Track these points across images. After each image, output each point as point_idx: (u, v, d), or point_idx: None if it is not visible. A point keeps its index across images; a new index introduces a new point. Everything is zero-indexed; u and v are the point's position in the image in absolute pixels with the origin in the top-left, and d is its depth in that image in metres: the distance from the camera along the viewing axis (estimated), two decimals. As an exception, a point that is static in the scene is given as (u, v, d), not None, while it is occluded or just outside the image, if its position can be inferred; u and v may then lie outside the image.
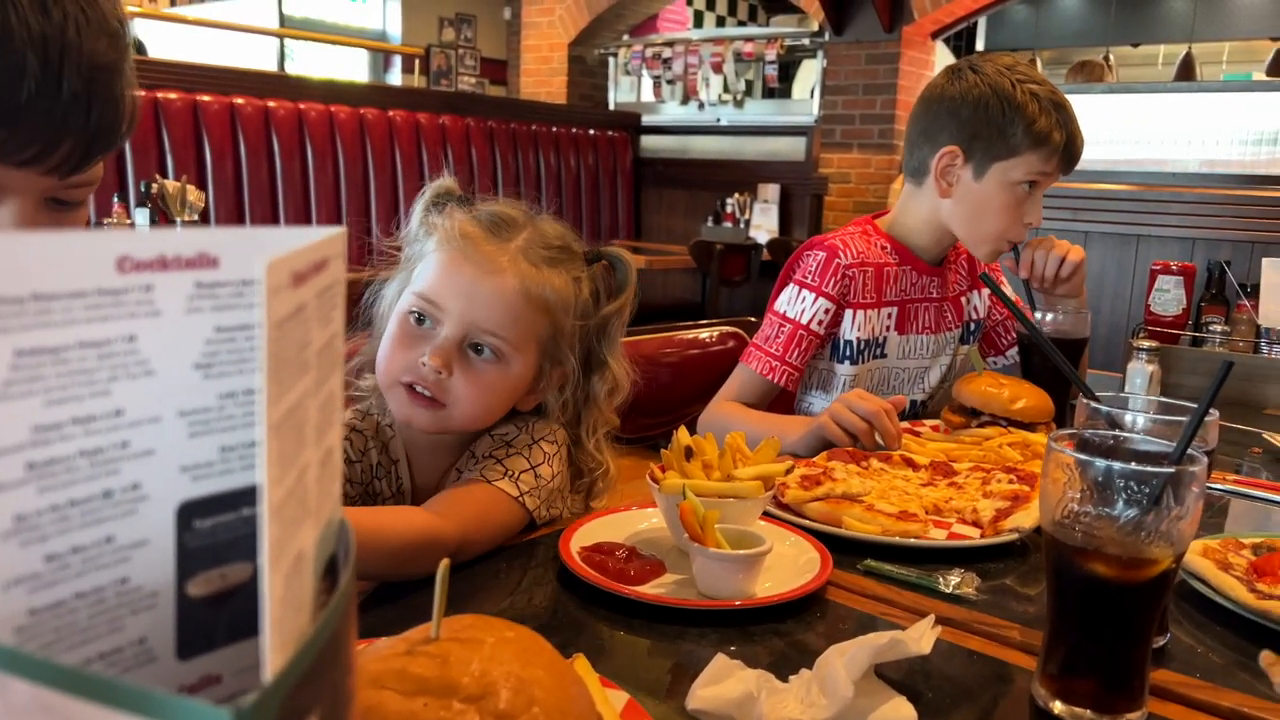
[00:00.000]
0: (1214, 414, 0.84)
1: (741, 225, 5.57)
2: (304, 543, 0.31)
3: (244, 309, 0.31)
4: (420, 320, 1.09)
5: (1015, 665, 0.84)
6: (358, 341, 1.21)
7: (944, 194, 1.61)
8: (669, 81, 6.43)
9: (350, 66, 7.83)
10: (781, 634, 0.87)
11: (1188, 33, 6.90)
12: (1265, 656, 0.61)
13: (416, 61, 7.60)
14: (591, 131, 5.93)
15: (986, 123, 1.54)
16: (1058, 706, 0.75)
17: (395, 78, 7.90)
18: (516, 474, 1.07)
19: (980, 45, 8.31)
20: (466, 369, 1.07)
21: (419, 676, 0.52)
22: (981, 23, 8.11)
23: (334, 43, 6.54)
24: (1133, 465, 0.72)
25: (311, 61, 7.56)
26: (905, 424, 1.59)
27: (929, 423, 1.58)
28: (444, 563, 0.55)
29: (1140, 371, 1.83)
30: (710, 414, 1.65)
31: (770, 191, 5.56)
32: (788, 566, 0.97)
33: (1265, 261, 1.98)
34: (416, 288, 1.09)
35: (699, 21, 8.43)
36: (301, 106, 4.54)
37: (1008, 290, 1.79)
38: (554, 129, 5.68)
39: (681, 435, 1.03)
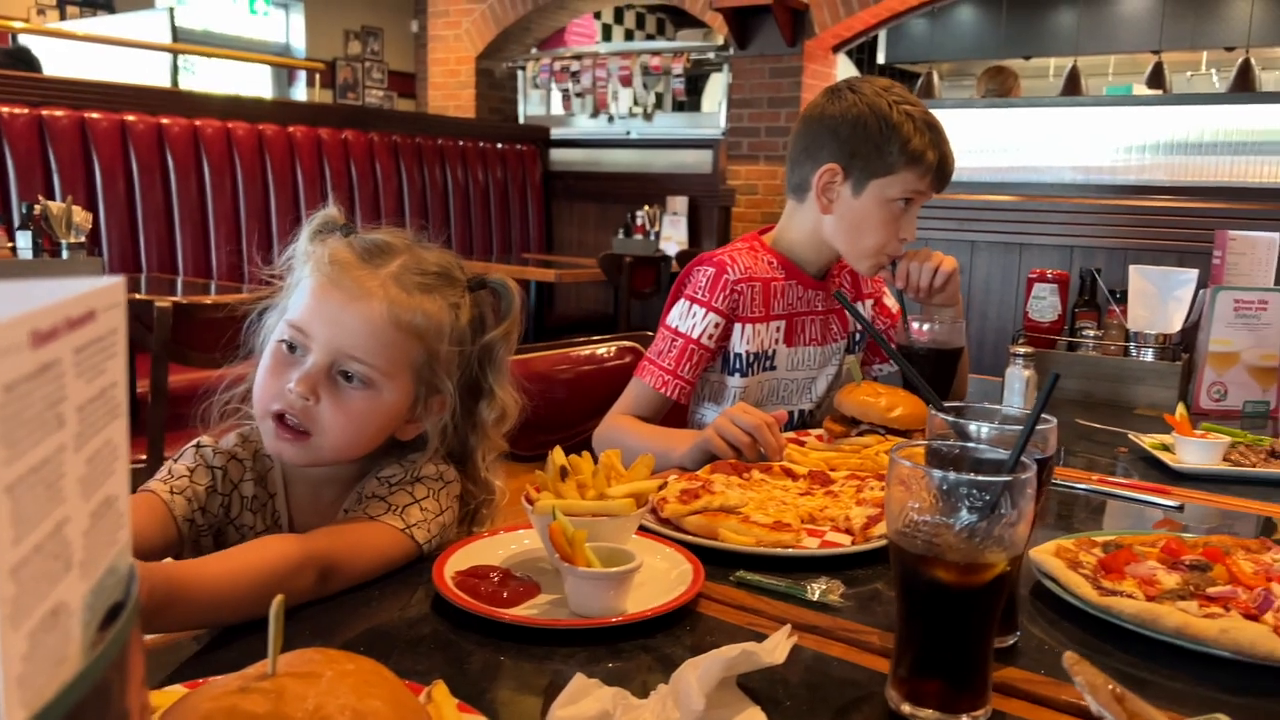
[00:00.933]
0: (1050, 421, 0.88)
1: (651, 237, 5.61)
2: (65, 596, 0.31)
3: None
4: (291, 349, 1.08)
5: (874, 670, 0.86)
6: (242, 369, 1.20)
7: (825, 210, 1.66)
8: (578, 95, 6.46)
9: (253, 81, 7.68)
10: (650, 649, 0.88)
11: (1074, 46, 7.19)
12: (1068, 657, 0.65)
13: (317, 76, 7.49)
14: (500, 145, 5.91)
15: (865, 141, 1.60)
16: (907, 708, 0.78)
17: (300, 92, 7.77)
18: (401, 508, 1.07)
19: (881, 58, 8.53)
20: (335, 396, 1.06)
21: (250, 713, 0.52)
22: (881, 36, 8.34)
23: (229, 57, 6.40)
24: (969, 475, 0.75)
25: (212, 76, 7.39)
26: (791, 434, 1.63)
27: (814, 432, 1.62)
28: (278, 598, 0.56)
29: (1018, 376, 1.90)
30: (604, 428, 1.67)
31: (679, 204, 5.62)
32: (660, 581, 0.99)
33: (1132, 269, 2.08)
34: (289, 315, 1.08)
35: (607, 35, 8.49)
36: (197, 123, 4.44)
37: (863, 308, 1.86)
38: (461, 143, 5.65)
39: (556, 455, 1.04)
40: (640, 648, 0.88)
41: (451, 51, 7.00)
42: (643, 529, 1.11)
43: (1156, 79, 6.60)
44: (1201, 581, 1.00)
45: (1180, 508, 1.39)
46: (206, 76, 7.39)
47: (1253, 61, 6.30)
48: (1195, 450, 1.54)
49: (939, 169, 1.62)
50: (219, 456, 1.14)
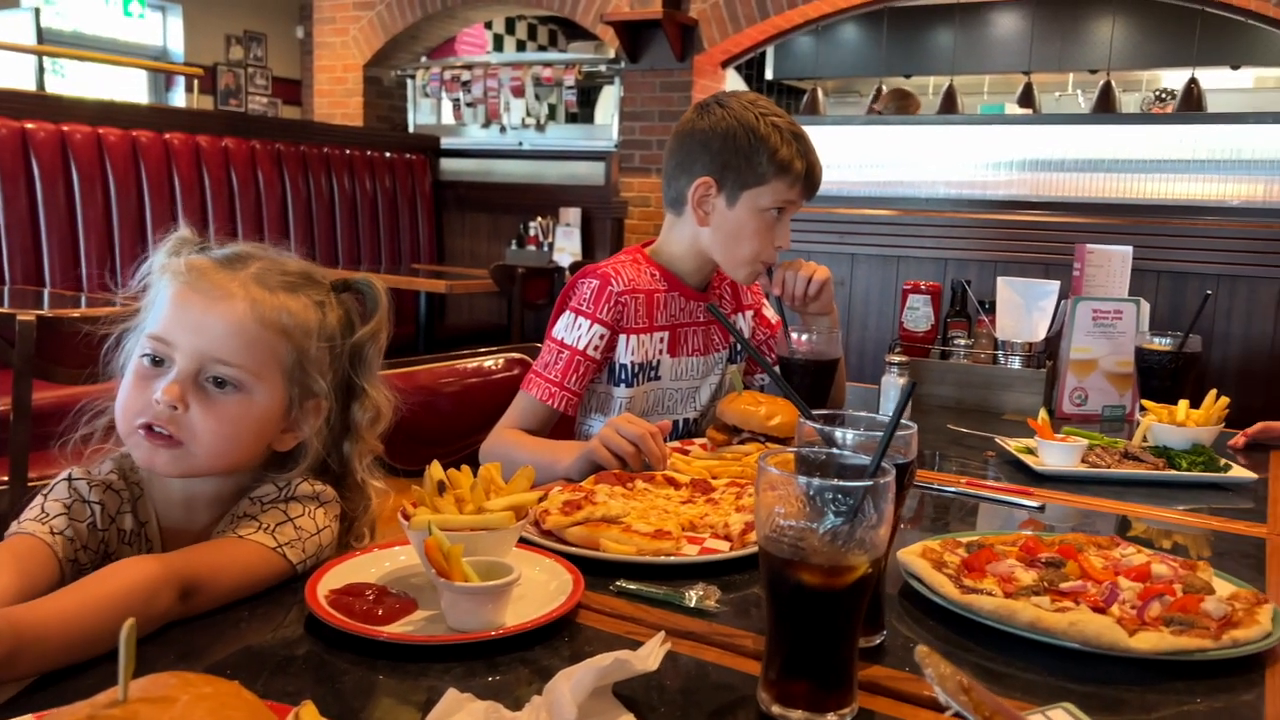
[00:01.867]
0: (911, 427, 0.92)
1: (545, 249, 5.60)
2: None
3: None
4: (155, 362, 1.04)
5: (747, 674, 0.88)
6: (102, 394, 1.14)
7: (702, 222, 1.70)
8: (469, 104, 6.40)
9: (128, 86, 7.37)
10: (528, 662, 0.89)
11: (951, 66, 7.49)
12: (919, 651, 0.68)
13: (196, 82, 7.24)
14: (389, 154, 5.82)
15: (735, 153, 1.64)
16: (776, 710, 0.80)
17: (179, 98, 7.49)
18: (273, 527, 1.05)
19: (769, 74, 8.72)
20: (205, 402, 1.03)
21: (98, 743, 0.51)
22: (769, 53, 8.52)
23: (101, 60, 6.13)
24: (831, 480, 0.78)
25: (84, 80, 7.07)
26: (676, 443, 1.65)
27: (698, 441, 1.65)
28: (129, 622, 0.54)
29: (893, 384, 1.97)
30: (491, 442, 1.66)
31: (572, 215, 5.63)
32: (539, 593, 0.99)
33: (999, 281, 2.18)
34: (149, 329, 1.05)
35: (499, 45, 8.45)
36: (65, 128, 4.24)
37: (744, 319, 1.90)
38: (349, 151, 5.54)
39: (434, 470, 1.03)
40: (518, 661, 0.89)
41: (338, 58, 6.86)
42: (524, 541, 1.12)
43: (1027, 99, 6.92)
44: (1055, 577, 1.06)
45: (1042, 508, 1.46)
46: (78, 80, 7.06)
47: (1113, 84, 6.67)
48: (1055, 453, 1.62)
49: (807, 178, 1.67)
50: (94, 490, 1.08)
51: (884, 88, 7.16)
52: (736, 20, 5.47)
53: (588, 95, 8.23)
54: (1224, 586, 1.06)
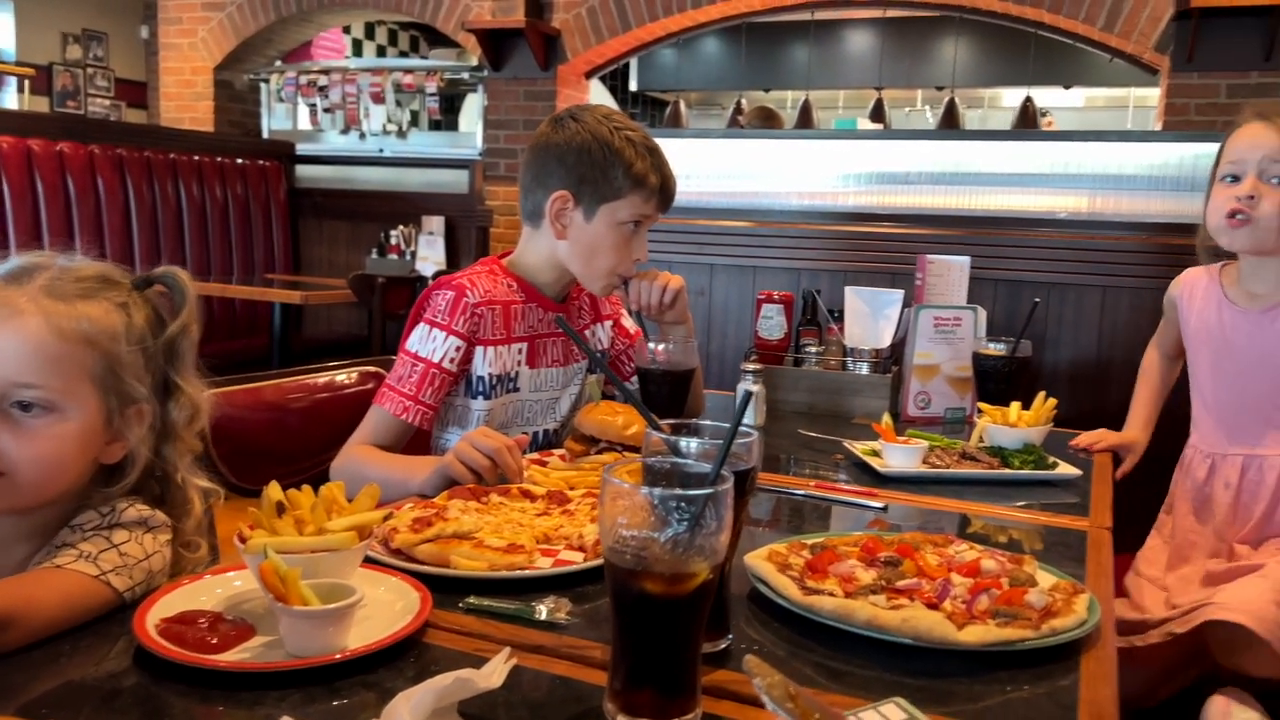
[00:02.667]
0: (753, 434, 0.94)
1: (407, 258, 5.50)
2: None
3: None
4: None
5: (596, 685, 0.88)
6: None
7: (560, 236, 1.70)
8: (327, 110, 6.23)
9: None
10: (371, 685, 0.87)
11: (807, 81, 7.73)
12: (748, 660, 0.69)
13: (28, 82, 6.80)
14: (241, 160, 5.61)
15: (591, 167, 1.65)
16: (621, 720, 0.80)
17: (10, 99, 7.02)
18: (95, 554, 0.99)
19: (633, 85, 8.81)
20: (16, 431, 0.97)
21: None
22: (633, 64, 8.61)
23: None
24: (671, 489, 0.79)
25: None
26: (534, 454, 1.65)
27: (556, 452, 1.65)
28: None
29: (747, 391, 2.01)
30: (342, 459, 1.62)
31: (435, 224, 5.54)
32: (385, 614, 0.97)
33: (847, 290, 2.26)
34: None
35: (358, 51, 8.25)
36: (-126, 129, 3.92)
37: (603, 330, 1.91)
38: (198, 158, 5.31)
39: (272, 491, 1.00)
40: (361, 684, 0.86)
41: (186, 60, 6.56)
42: (372, 561, 1.09)
43: (878, 114, 7.21)
44: (893, 575, 1.10)
45: (886, 508, 1.52)
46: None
47: (957, 101, 7.02)
48: (898, 455, 1.69)
49: (662, 191, 1.70)
50: None
51: (744, 101, 7.33)
52: (599, 31, 5.51)
53: (451, 102, 8.12)
54: (1046, 578, 1.13)
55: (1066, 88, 7.88)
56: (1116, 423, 2.04)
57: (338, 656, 0.87)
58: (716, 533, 0.80)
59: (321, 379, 1.85)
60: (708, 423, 1.00)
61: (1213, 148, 1.76)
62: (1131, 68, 4.99)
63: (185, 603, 0.96)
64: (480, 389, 1.69)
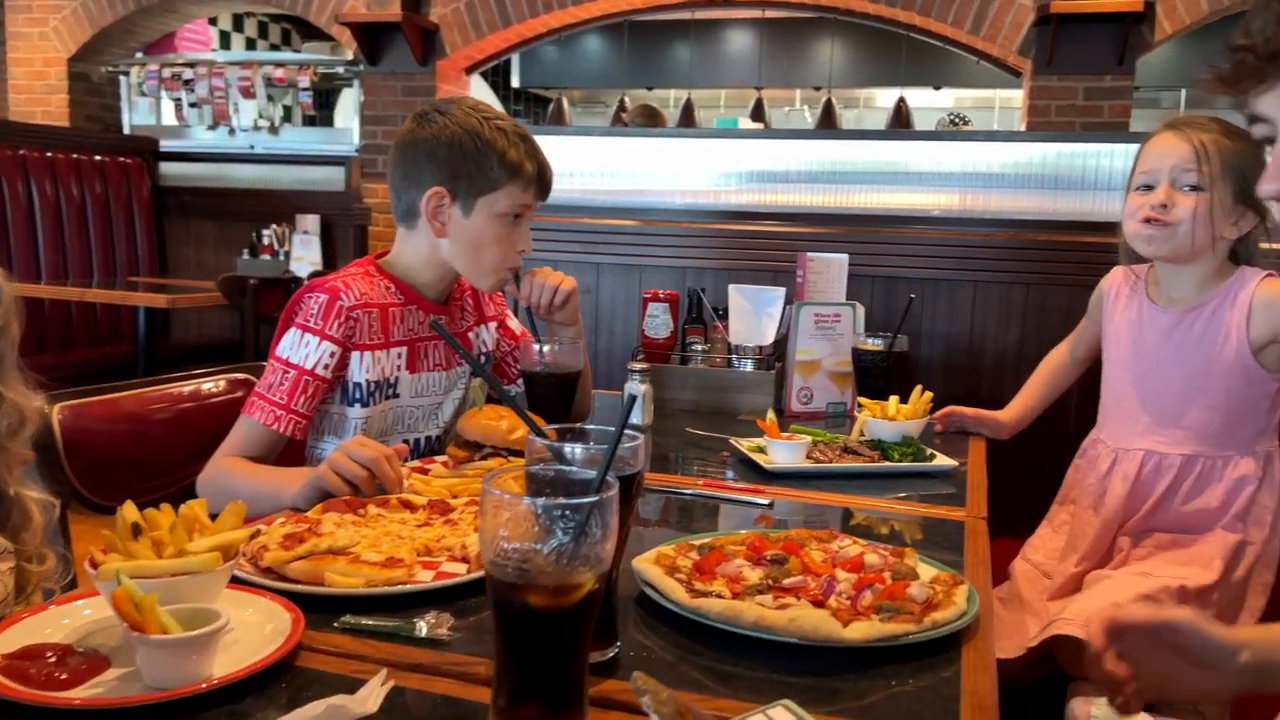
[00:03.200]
0: (638, 437, 0.93)
1: (281, 258, 5.29)
2: None
3: None
4: None
5: (479, 703, 0.86)
6: None
7: (439, 234, 1.65)
8: (193, 105, 5.95)
9: None
10: (239, 715, 0.82)
11: (689, 80, 7.79)
12: (636, 677, 0.68)
13: None
14: (100, 157, 5.30)
15: (464, 160, 1.60)
16: (506, 738, 0.78)
17: None
18: None
19: (515, 82, 8.72)
20: None
21: None
22: (515, 61, 8.52)
23: None
24: (554, 499, 0.77)
25: None
26: (416, 462, 1.60)
27: (439, 459, 1.60)
28: None
29: (635, 391, 2.00)
30: (209, 473, 1.54)
31: (310, 222, 5.35)
32: (253, 638, 0.92)
33: (731, 288, 2.27)
34: None
35: (225, 43, 7.92)
36: None
37: (487, 331, 1.87)
38: (51, 154, 5.00)
39: (126, 511, 0.93)
40: (227, 715, 0.81)
41: (37, 51, 6.17)
42: (240, 582, 1.03)
43: (758, 113, 7.31)
44: (779, 574, 1.10)
45: (771, 505, 1.53)
46: None
47: (834, 101, 7.18)
48: (783, 451, 1.71)
49: (539, 179, 1.66)
50: None
51: (627, 99, 7.34)
52: (479, 26, 5.42)
53: (325, 98, 7.88)
54: (927, 571, 1.15)
55: (936, 89, 8.16)
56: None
57: (203, 687, 0.82)
58: (602, 541, 0.78)
59: (187, 388, 1.76)
60: (594, 427, 0.98)
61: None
62: (997, 70, 5.19)
63: (29, 636, 0.88)
64: (357, 396, 1.63)
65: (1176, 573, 1.65)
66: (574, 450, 0.93)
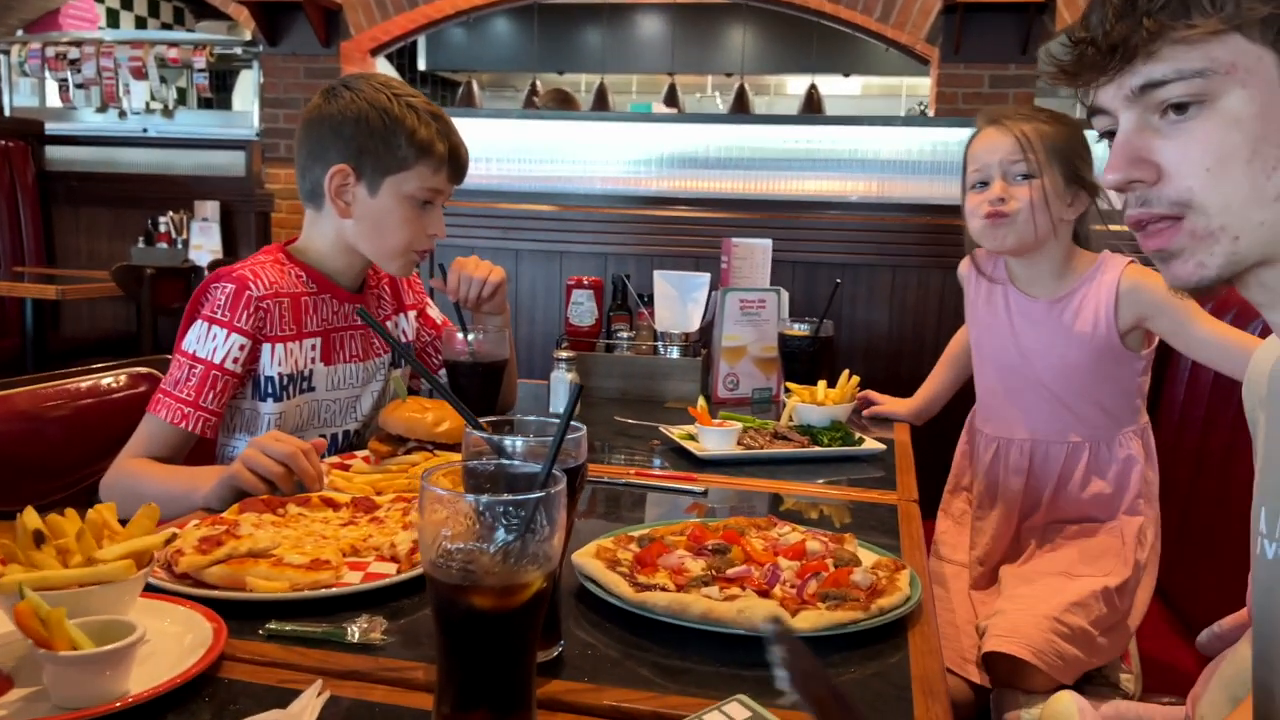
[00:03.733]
0: (581, 429, 0.89)
1: (179, 246, 5.08)
2: None
3: None
4: None
5: (420, 709, 0.82)
6: None
7: (344, 214, 1.57)
8: (79, 86, 5.66)
9: None
10: (159, 734, 0.76)
11: (601, 65, 7.74)
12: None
13: None
14: (-23, 141, 5.01)
15: (371, 137, 1.53)
16: (452, 746, 0.74)
17: None
18: None
19: (421, 65, 8.54)
20: None
21: None
22: (421, 42, 8.34)
23: None
24: (500, 495, 0.73)
25: None
26: (336, 458, 1.53)
27: (360, 454, 1.54)
28: None
29: (561, 380, 1.97)
30: (112, 475, 1.45)
31: (210, 209, 5.15)
32: (172, 650, 0.86)
33: (656, 274, 2.25)
34: None
35: (113, 21, 7.54)
36: None
37: (406, 320, 1.81)
38: (-77, 137, 4.70)
39: (28, 518, 0.86)
40: (146, 734, 0.76)
41: (-95, 26, 5.80)
42: (154, 590, 0.97)
43: (672, 99, 7.31)
44: (722, 564, 1.08)
45: (705, 492, 1.51)
46: None
47: (747, 87, 7.22)
48: (714, 438, 1.69)
49: (452, 160, 1.59)
50: None
51: (539, 83, 7.25)
52: (384, 7, 5.28)
53: (223, 79, 7.59)
54: (868, 556, 1.14)
55: (846, 75, 8.28)
56: (908, 393, 2.13)
57: (117, 705, 0.76)
58: (550, 537, 0.74)
59: (85, 383, 1.65)
60: (531, 418, 0.95)
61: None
62: (905, 57, 5.28)
63: (-81, 658, 0.81)
64: (270, 390, 1.55)
65: (1095, 569, 1.68)
66: (514, 443, 0.89)
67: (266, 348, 1.53)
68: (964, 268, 1.97)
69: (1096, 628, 1.58)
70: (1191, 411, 2.23)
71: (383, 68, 6.17)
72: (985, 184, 1.75)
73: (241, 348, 1.50)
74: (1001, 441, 1.85)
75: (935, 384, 2.11)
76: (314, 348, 1.60)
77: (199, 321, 1.51)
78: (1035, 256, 1.78)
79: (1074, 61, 0.84)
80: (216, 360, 1.48)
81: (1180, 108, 0.78)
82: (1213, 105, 0.76)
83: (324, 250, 1.63)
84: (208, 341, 1.49)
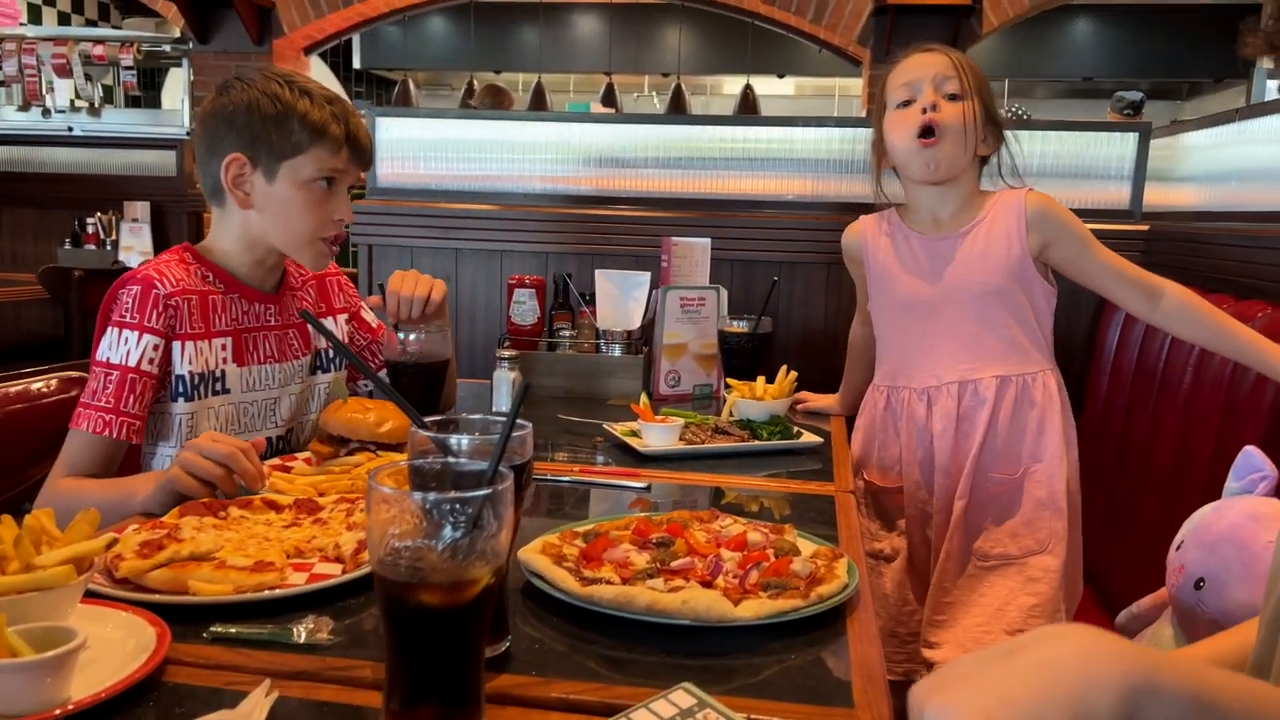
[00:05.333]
0: (526, 426, 0.91)
1: (108, 247, 4.96)
2: None
3: None
4: None
5: (369, 707, 0.82)
6: None
7: (244, 205, 1.55)
8: (0, 84, 5.50)
9: None
10: (103, 740, 0.75)
11: (538, 64, 7.73)
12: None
13: None
14: (-108, 140, 4.83)
15: (263, 124, 1.51)
16: (402, 742, 0.74)
17: None
18: None
19: (356, 63, 8.44)
20: None
21: None
22: (356, 41, 8.24)
23: None
24: (447, 493, 0.74)
25: None
26: (277, 459, 1.52)
27: (301, 456, 1.53)
28: None
29: (504, 379, 1.97)
30: (44, 498, 1.40)
31: (140, 209, 5.04)
32: (114, 655, 0.85)
33: (597, 273, 2.26)
34: None
35: (36, 17, 7.32)
36: None
37: (334, 323, 1.79)
38: None
39: (-39, 525, 0.85)
40: (90, 741, 0.75)
41: None
42: (95, 596, 0.96)
43: (609, 98, 7.32)
44: (666, 557, 1.10)
45: (648, 488, 1.53)
46: None
47: (683, 87, 7.26)
48: (657, 434, 1.71)
49: (352, 143, 1.57)
50: None
51: (476, 81, 7.21)
52: (318, 5, 5.22)
53: (152, 77, 7.43)
54: (807, 546, 1.17)
55: (781, 76, 8.38)
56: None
57: (58, 712, 0.75)
58: (497, 534, 0.75)
59: (14, 388, 1.62)
60: (475, 416, 0.95)
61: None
62: (838, 59, 5.36)
63: None
64: (181, 390, 1.51)
65: (1035, 552, 1.73)
66: (460, 441, 0.90)
67: (177, 345, 1.50)
68: (851, 236, 1.96)
69: (1052, 590, 1.64)
70: (1115, 399, 2.32)
71: (317, 66, 6.09)
72: (911, 102, 1.74)
73: (155, 348, 1.47)
74: (932, 391, 1.82)
75: (853, 376, 2.12)
76: (224, 347, 1.57)
77: (110, 328, 1.47)
78: (948, 189, 1.79)
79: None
80: (131, 363, 1.45)
81: None
82: None
83: (230, 248, 1.60)
84: (120, 346, 1.45)
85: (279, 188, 1.54)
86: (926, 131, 1.72)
